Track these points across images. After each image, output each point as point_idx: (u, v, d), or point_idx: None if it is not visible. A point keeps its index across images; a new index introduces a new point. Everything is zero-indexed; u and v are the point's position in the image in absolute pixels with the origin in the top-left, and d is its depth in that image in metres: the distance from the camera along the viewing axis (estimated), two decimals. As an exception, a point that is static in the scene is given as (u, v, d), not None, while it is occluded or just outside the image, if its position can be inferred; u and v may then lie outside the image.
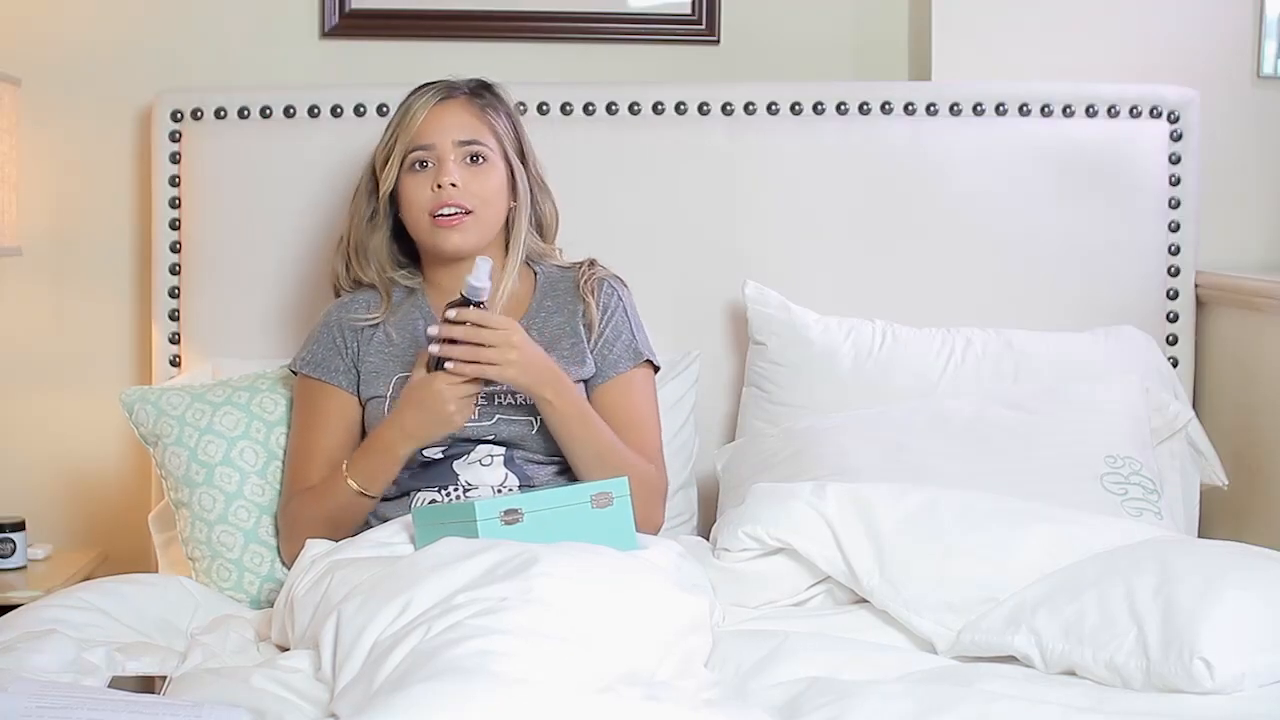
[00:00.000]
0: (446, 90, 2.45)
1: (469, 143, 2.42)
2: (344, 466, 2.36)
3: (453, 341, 2.25)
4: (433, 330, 2.26)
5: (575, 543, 2.07)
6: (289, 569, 2.37)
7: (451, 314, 2.24)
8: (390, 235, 2.52)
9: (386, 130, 2.47)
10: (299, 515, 2.41)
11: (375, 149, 2.49)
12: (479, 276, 2.24)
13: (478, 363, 2.25)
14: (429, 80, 2.49)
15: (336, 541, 2.30)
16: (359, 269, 2.52)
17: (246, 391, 2.56)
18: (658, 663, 1.93)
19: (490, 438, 2.40)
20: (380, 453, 2.34)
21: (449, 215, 2.40)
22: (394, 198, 2.47)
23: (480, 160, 2.42)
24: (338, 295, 2.57)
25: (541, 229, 2.55)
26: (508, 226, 2.49)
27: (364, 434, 2.45)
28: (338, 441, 2.45)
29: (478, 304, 2.25)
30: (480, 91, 2.48)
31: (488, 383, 2.30)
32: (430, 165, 2.42)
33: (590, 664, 1.80)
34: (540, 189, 2.53)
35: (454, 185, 2.39)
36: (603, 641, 1.86)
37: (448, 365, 2.25)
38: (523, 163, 2.49)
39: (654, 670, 1.91)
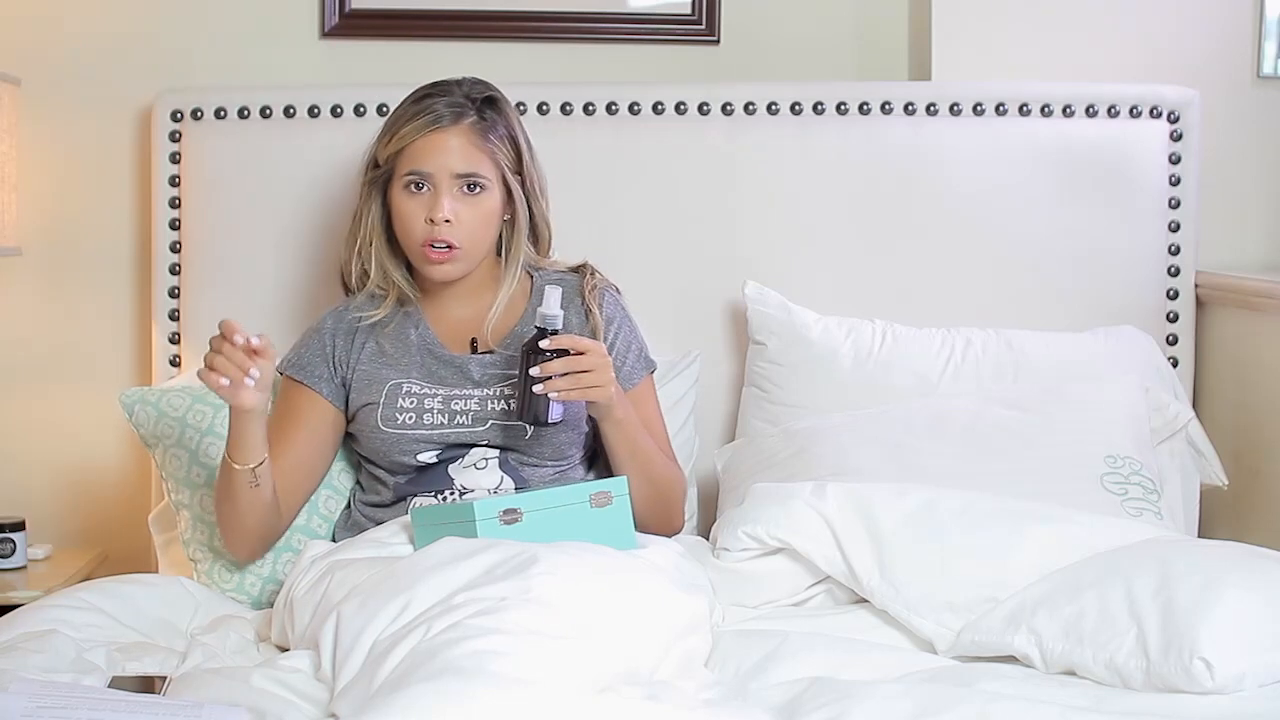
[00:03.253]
0: (453, 115, 2.40)
1: (466, 175, 2.40)
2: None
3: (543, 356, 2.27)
4: (535, 371, 2.26)
5: (575, 542, 2.07)
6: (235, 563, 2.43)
7: (545, 344, 2.26)
8: (385, 238, 2.50)
9: (388, 130, 2.43)
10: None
11: (376, 143, 2.45)
12: (550, 306, 2.28)
13: (579, 388, 2.27)
14: (433, 83, 2.45)
15: (247, 536, 2.36)
16: (372, 271, 2.51)
17: (247, 392, 2.55)
18: (658, 662, 1.93)
19: (484, 442, 2.40)
20: (232, 418, 2.29)
21: (439, 250, 2.40)
22: (388, 199, 2.45)
23: (476, 189, 2.40)
24: (348, 293, 2.55)
25: (537, 242, 2.52)
26: (502, 240, 2.48)
27: (351, 442, 2.45)
28: (305, 444, 2.43)
29: (553, 331, 2.28)
30: (484, 112, 2.42)
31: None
32: (426, 189, 2.40)
33: (590, 664, 1.80)
34: (536, 201, 2.49)
35: (448, 221, 2.38)
36: (602, 641, 1.86)
37: (553, 395, 2.26)
38: (521, 178, 2.45)
39: (654, 670, 1.92)
